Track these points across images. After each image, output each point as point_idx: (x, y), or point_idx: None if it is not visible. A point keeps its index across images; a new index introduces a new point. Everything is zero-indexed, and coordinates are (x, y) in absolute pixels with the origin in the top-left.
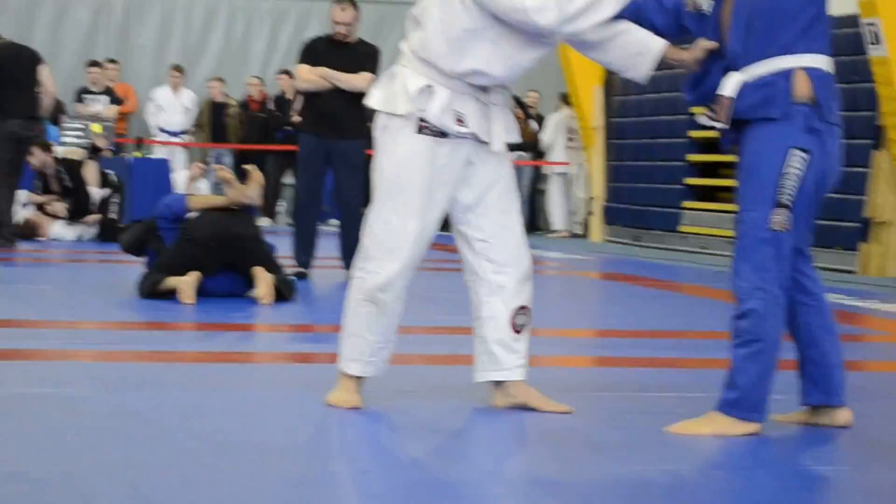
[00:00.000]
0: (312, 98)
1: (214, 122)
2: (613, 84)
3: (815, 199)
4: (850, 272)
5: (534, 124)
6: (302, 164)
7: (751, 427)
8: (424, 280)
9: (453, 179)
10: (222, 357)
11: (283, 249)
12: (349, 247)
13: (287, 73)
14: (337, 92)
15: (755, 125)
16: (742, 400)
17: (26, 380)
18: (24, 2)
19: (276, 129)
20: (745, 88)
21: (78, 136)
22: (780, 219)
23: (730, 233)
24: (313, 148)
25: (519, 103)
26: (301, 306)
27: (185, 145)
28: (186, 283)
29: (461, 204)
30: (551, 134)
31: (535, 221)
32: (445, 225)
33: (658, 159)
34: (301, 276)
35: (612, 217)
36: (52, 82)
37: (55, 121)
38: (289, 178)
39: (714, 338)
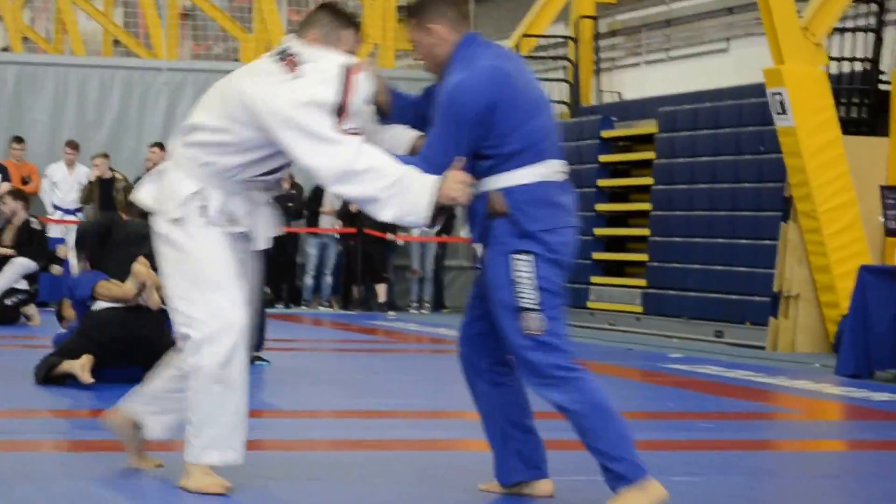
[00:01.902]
0: None
1: (103, 198)
2: None
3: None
4: (760, 347)
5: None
6: None
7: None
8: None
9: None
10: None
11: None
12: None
13: (159, 145)
14: None
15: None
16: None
17: None
18: None
19: None
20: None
21: None
22: (532, 324)
23: (638, 308)
24: None
25: None
26: None
27: (79, 223)
28: (81, 366)
29: None
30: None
31: (439, 299)
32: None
33: None
34: None
35: None
36: None
37: None
38: None
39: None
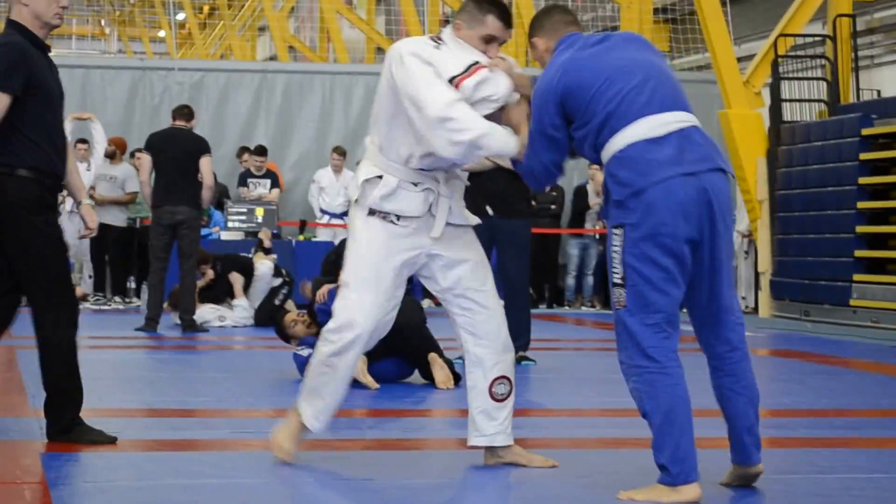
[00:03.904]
0: (476, 177)
1: None
2: (777, 156)
3: (662, 257)
4: None
5: None
6: None
7: (687, 492)
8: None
9: (408, 259)
10: (395, 445)
11: (446, 331)
12: (514, 326)
13: None
14: (499, 170)
15: None
16: (667, 467)
17: (198, 470)
18: (188, 87)
19: None
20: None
21: (242, 221)
22: (616, 298)
23: None
24: (479, 227)
25: None
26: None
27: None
28: (361, 372)
29: (440, 287)
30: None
31: None
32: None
33: (826, 232)
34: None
35: (781, 291)
36: (210, 174)
37: (220, 206)
38: None
39: (893, 416)
